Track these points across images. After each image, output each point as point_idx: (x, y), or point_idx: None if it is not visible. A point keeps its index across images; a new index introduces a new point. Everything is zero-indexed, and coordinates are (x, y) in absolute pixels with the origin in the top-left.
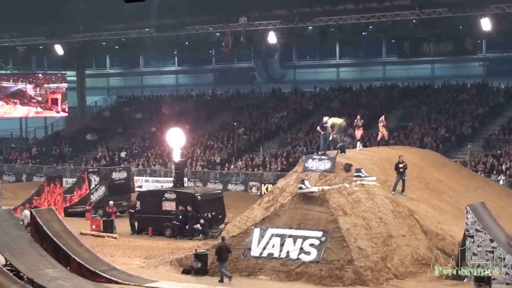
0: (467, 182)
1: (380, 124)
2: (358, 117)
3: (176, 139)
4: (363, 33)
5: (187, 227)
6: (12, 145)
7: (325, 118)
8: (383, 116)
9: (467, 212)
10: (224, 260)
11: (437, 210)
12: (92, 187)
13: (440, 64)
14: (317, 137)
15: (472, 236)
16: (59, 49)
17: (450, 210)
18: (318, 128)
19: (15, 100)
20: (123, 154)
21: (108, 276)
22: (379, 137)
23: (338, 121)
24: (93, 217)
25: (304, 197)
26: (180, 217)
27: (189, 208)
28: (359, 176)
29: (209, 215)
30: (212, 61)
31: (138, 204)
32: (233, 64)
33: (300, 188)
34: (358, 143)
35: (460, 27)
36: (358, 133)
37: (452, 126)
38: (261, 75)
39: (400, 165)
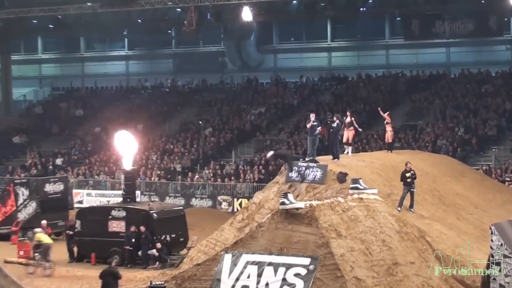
0: (491, 195)
1: (385, 121)
2: (348, 113)
3: (126, 144)
4: (361, 9)
5: (140, 253)
6: None
7: (312, 116)
8: (387, 113)
9: (492, 233)
10: None
11: (455, 230)
12: (19, 202)
13: (457, 47)
14: (304, 139)
15: (498, 263)
16: None
17: (471, 231)
18: (308, 125)
19: None
20: (59, 161)
21: None
22: (386, 138)
23: (45, 239)
24: (20, 241)
25: (288, 214)
26: (132, 240)
27: (142, 229)
28: (357, 188)
29: (168, 238)
30: (172, 43)
31: (78, 224)
32: (198, 47)
33: (283, 203)
34: (349, 147)
35: (483, 1)
36: (349, 134)
37: (472, 125)
38: (233, 61)
39: (408, 175)
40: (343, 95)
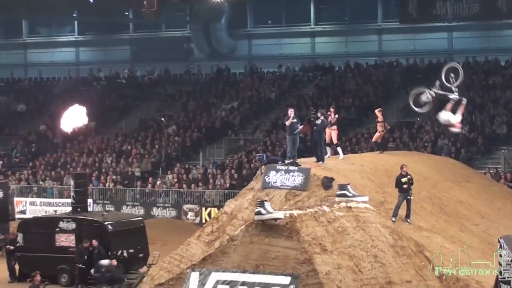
0: (500, 203)
1: (377, 119)
2: (332, 110)
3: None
4: None
5: (92, 271)
6: None
7: (291, 112)
8: (378, 109)
9: (500, 246)
10: None
11: (458, 244)
12: None
13: (460, 32)
14: (283, 138)
15: (508, 282)
16: None
17: (476, 244)
18: (287, 122)
19: None
20: None
21: None
22: (374, 138)
23: None
24: None
25: (264, 226)
26: (84, 256)
27: (95, 243)
28: (345, 195)
29: (125, 254)
30: (129, 27)
31: (20, 237)
32: (159, 32)
33: (258, 213)
34: (337, 148)
35: None
36: (332, 134)
37: (478, 123)
38: (201, 48)
39: (404, 180)
40: (329, 88)
